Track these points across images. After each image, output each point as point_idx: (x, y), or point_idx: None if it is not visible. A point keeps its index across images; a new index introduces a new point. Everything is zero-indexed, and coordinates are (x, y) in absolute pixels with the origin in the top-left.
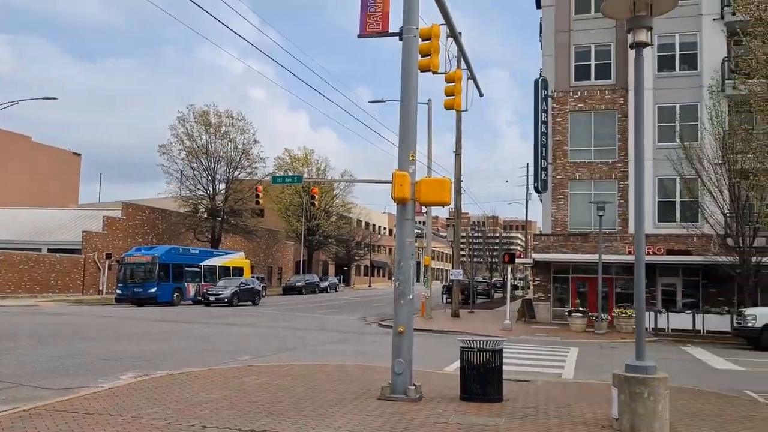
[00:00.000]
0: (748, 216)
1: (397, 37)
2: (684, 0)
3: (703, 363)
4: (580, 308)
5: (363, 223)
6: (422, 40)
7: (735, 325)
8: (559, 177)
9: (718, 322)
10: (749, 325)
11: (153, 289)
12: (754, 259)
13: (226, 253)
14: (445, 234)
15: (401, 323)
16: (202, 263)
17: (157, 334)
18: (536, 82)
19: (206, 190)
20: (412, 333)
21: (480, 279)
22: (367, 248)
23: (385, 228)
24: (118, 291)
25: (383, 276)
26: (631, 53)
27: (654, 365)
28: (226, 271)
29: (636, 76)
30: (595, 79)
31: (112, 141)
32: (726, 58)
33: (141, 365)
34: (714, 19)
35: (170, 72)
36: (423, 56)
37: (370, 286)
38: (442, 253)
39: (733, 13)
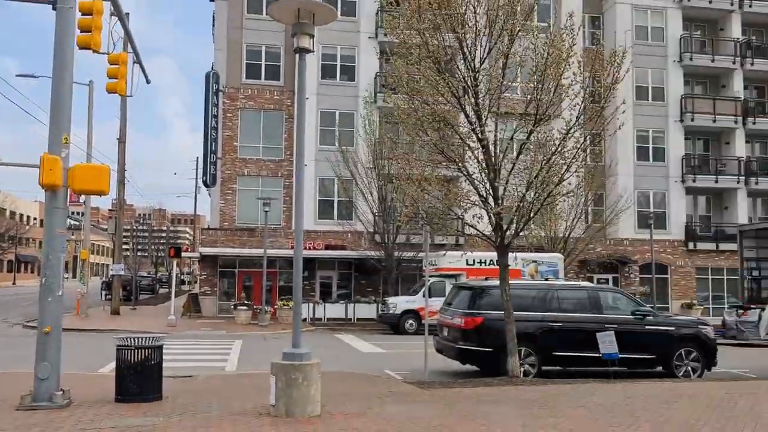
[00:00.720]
0: (392, 216)
1: (51, 6)
2: (345, 16)
3: (353, 348)
4: (246, 301)
5: (8, 212)
6: (82, 15)
7: (380, 312)
8: (228, 172)
9: (366, 310)
10: (391, 312)
11: None
12: (396, 253)
13: None
14: (106, 226)
15: (48, 323)
16: None
17: None
18: (207, 76)
19: None
20: (60, 333)
21: (145, 274)
22: (12, 241)
23: (35, 218)
24: None
25: (32, 272)
26: (297, 58)
27: (308, 352)
28: None
29: (299, 79)
30: (265, 79)
31: None
32: (378, 73)
33: None
34: (369, 37)
35: None
36: (83, 32)
37: (14, 283)
38: (103, 246)
39: (385, 35)
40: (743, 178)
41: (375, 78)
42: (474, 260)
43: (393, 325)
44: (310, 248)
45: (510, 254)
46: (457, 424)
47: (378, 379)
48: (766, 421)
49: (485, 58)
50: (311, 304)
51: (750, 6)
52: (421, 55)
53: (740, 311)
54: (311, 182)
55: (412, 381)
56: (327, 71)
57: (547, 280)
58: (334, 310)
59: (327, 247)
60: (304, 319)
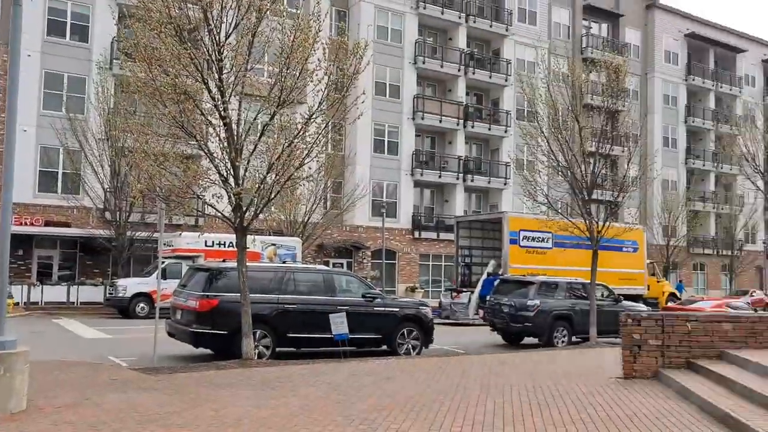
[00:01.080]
0: (126, 192)
1: None
2: None
3: (74, 334)
4: None
5: None
6: None
7: (108, 295)
8: None
9: (92, 293)
10: (120, 295)
11: None
12: (129, 233)
13: None
14: None
15: None
16: None
17: None
18: None
19: None
20: None
21: None
22: None
23: None
24: None
25: None
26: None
27: (14, 340)
28: None
29: (12, 27)
30: None
31: None
32: (116, 38)
33: None
34: None
35: None
36: None
37: None
38: None
39: None
40: (462, 174)
41: (112, 43)
42: (213, 242)
43: (122, 308)
44: (26, 224)
45: (249, 236)
46: (185, 410)
47: (100, 367)
48: (470, 390)
49: (231, 33)
50: (26, 286)
51: (474, 21)
52: (162, 21)
53: (454, 294)
54: (31, 150)
55: (139, 367)
56: (55, 28)
57: (285, 263)
58: (55, 292)
59: (47, 224)
60: (17, 303)
